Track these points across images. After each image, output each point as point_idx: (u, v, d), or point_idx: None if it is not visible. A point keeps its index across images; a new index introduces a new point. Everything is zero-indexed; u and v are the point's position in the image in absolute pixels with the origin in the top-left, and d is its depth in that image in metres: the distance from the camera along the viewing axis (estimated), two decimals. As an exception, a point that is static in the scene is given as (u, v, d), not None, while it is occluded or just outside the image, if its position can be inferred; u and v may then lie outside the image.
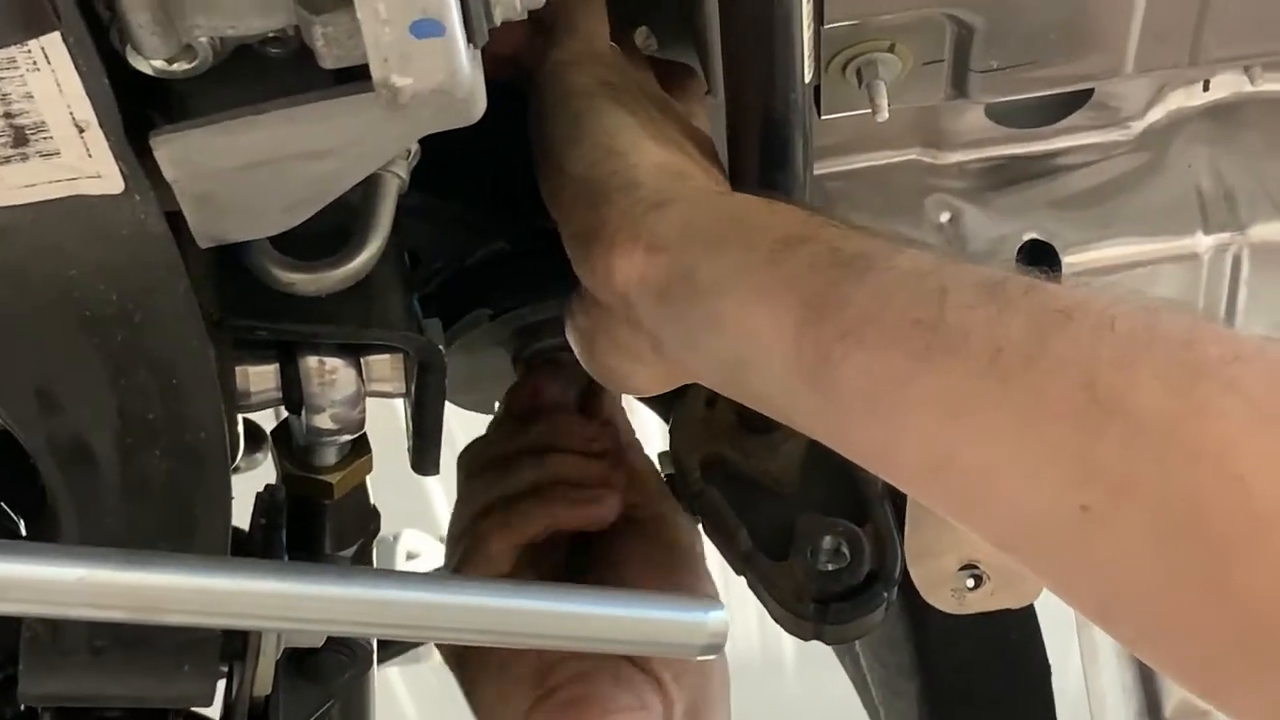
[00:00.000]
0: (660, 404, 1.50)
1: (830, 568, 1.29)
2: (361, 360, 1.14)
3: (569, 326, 1.23)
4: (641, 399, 1.52)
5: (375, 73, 0.87)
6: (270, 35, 0.93)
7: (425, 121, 0.95)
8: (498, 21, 0.90)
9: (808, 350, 0.94)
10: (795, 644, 6.71)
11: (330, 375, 1.14)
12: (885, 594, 1.29)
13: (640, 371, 1.17)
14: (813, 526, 1.29)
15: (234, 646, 1.10)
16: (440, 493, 5.34)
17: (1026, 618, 1.63)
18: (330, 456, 1.24)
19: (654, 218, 1.07)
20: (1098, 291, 0.89)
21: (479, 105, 0.94)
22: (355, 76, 0.92)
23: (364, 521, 1.32)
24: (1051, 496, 0.83)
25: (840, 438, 0.97)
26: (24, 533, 1.17)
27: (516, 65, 1.26)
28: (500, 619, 0.94)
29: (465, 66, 0.89)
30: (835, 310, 0.93)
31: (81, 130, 0.92)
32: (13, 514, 1.17)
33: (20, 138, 0.92)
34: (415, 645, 1.69)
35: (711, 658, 1.01)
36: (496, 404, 1.48)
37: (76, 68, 0.89)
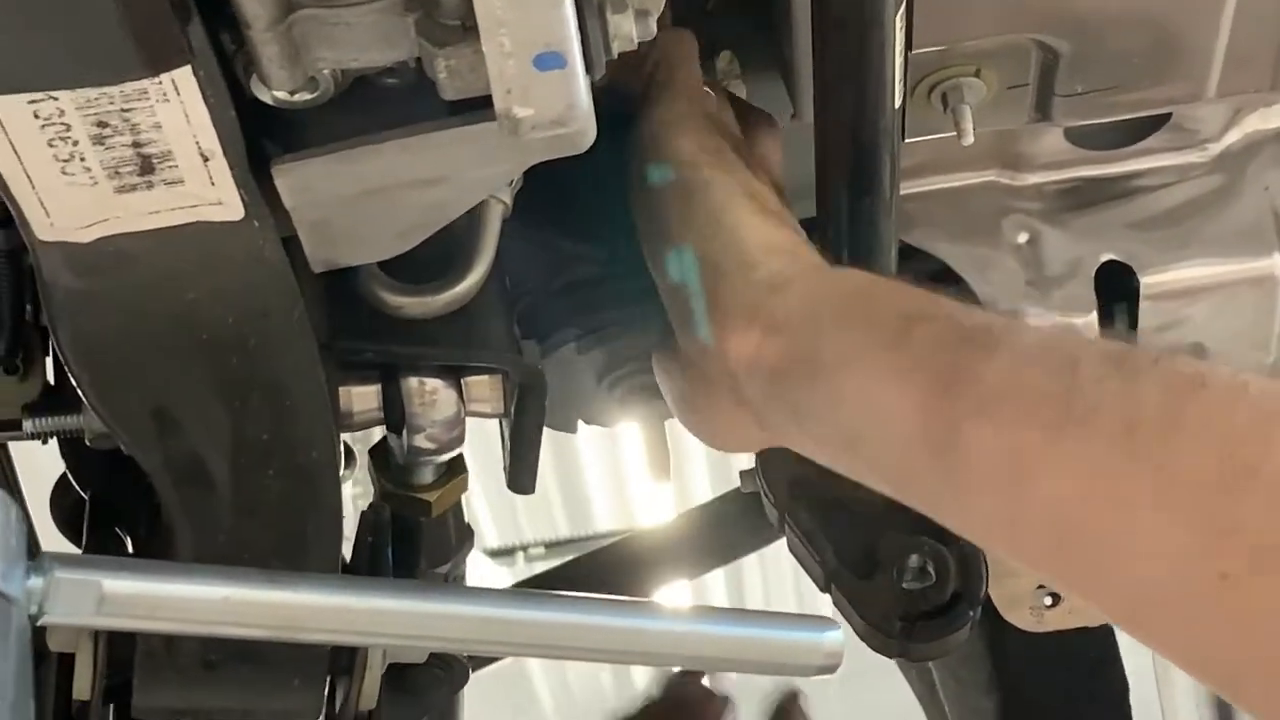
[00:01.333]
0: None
1: (916, 587, 1.30)
2: (462, 381, 1.17)
3: (662, 380, 1.24)
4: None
5: (498, 104, 0.90)
6: (388, 67, 0.96)
7: (538, 150, 0.98)
8: (615, 54, 0.93)
9: (936, 425, 0.94)
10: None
11: (431, 396, 1.17)
12: (970, 613, 1.30)
13: (738, 437, 1.18)
14: (898, 546, 1.31)
15: (341, 661, 1.13)
16: (485, 509, 5.38)
17: (1104, 635, 1.65)
18: (428, 475, 1.26)
19: (774, 301, 1.09)
20: (1221, 364, 0.89)
21: (590, 135, 0.96)
22: (470, 107, 0.95)
23: (459, 539, 1.34)
24: (1188, 564, 0.82)
25: (961, 511, 0.98)
26: (130, 551, 1.20)
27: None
28: (618, 638, 0.96)
29: (584, 98, 0.91)
30: (966, 386, 0.94)
31: (206, 160, 0.95)
32: (120, 532, 1.20)
33: (147, 166, 0.95)
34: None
35: (828, 675, 1.03)
36: (580, 422, 1.50)
37: (205, 100, 0.92)
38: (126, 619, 0.84)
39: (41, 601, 0.79)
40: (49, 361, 1.24)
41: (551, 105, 0.90)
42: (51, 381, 1.24)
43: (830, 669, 1.02)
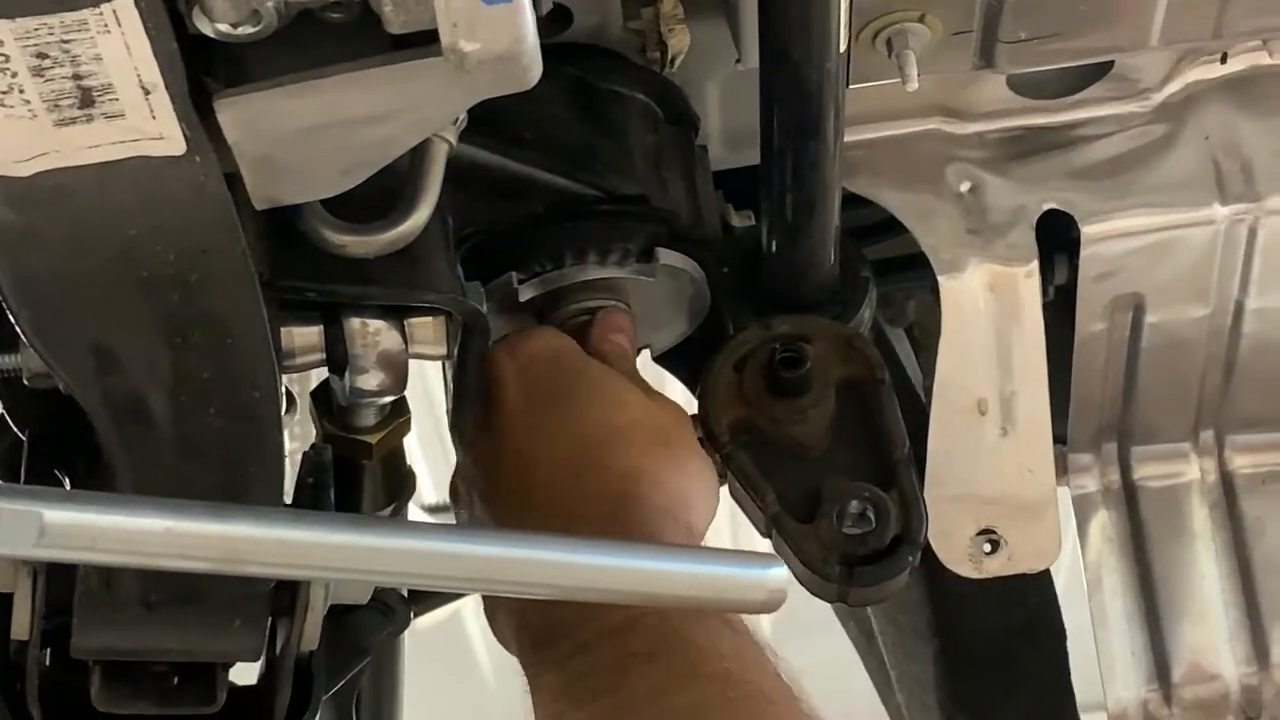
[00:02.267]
0: (687, 370, 1.52)
1: (856, 531, 1.31)
2: (405, 322, 1.17)
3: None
4: (667, 366, 1.55)
5: (444, 38, 0.89)
6: (333, 1, 0.95)
7: (484, 86, 0.97)
8: (561, -12, 0.93)
9: None
10: (770, 617, 6.78)
11: (374, 337, 1.16)
12: (910, 558, 1.31)
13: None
14: (839, 490, 1.31)
15: (283, 601, 1.12)
16: (422, 465, 5.37)
17: (1043, 583, 1.67)
18: (370, 418, 1.26)
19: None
20: None
21: (536, 71, 0.96)
22: (415, 42, 0.94)
23: (400, 483, 1.34)
24: None
25: None
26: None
27: None
28: (561, 572, 0.96)
29: (531, 33, 0.91)
30: None
31: (147, 93, 0.94)
32: (59, 473, 1.19)
33: (87, 99, 0.94)
34: (450, 599, 1.71)
35: (772, 613, 1.04)
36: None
37: (146, 31, 0.91)
38: (68, 550, 0.83)
39: (-19, 531, 0.78)
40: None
41: (498, 39, 0.90)
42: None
43: (773, 606, 1.03)
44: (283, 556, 0.91)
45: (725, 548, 1.07)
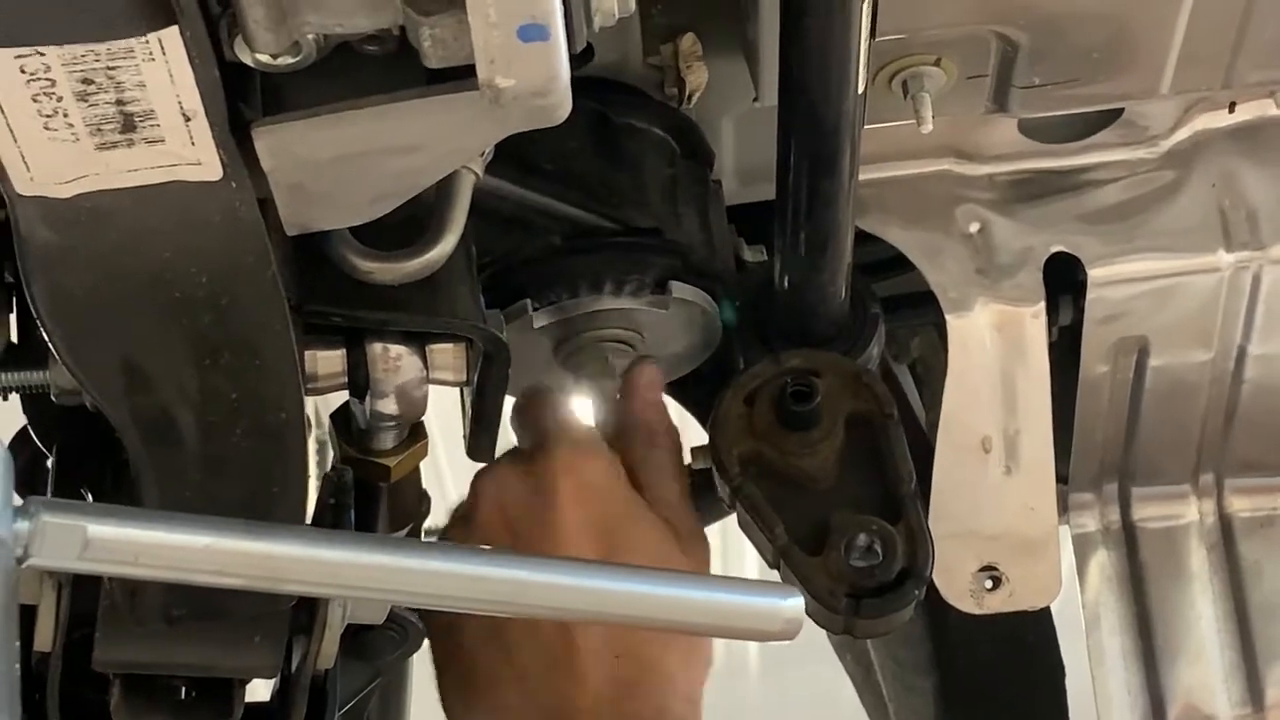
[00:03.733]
0: (697, 403, 1.55)
1: (863, 564, 1.33)
2: (426, 349, 1.19)
3: None
4: (676, 396, 1.57)
5: (481, 74, 0.91)
6: (371, 34, 0.97)
7: (516, 121, 0.99)
8: (596, 28, 0.95)
9: None
10: (759, 647, 6.74)
11: (395, 362, 1.19)
12: (916, 591, 1.34)
13: None
14: (847, 523, 1.34)
15: (302, 620, 1.14)
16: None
17: (1042, 619, 1.69)
18: (389, 441, 1.28)
19: None
20: None
21: (566, 107, 0.98)
22: (451, 76, 0.97)
23: (417, 505, 1.36)
24: None
25: None
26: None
27: None
28: (578, 596, 0.99)
29: (564, 70, 0.93)
30: None
31: (188, 119, 0.96)
32: (84, 489, 1.21)
33: (129, 124, 0.96)
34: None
35: (787, 641, 1.06)
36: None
37: (190, 60, 0.93)
38: (110, 564, 0.86)
39: (27, 544, 0.80)
40: (13, 319, 1.25)
41: (533, 76, 0.92)
42: (14, 339, 1.25)
43: (789, 635, 1.05)
44: (319, 575, 0.93)
45: (743, 577, 1.09)
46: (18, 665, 0.78)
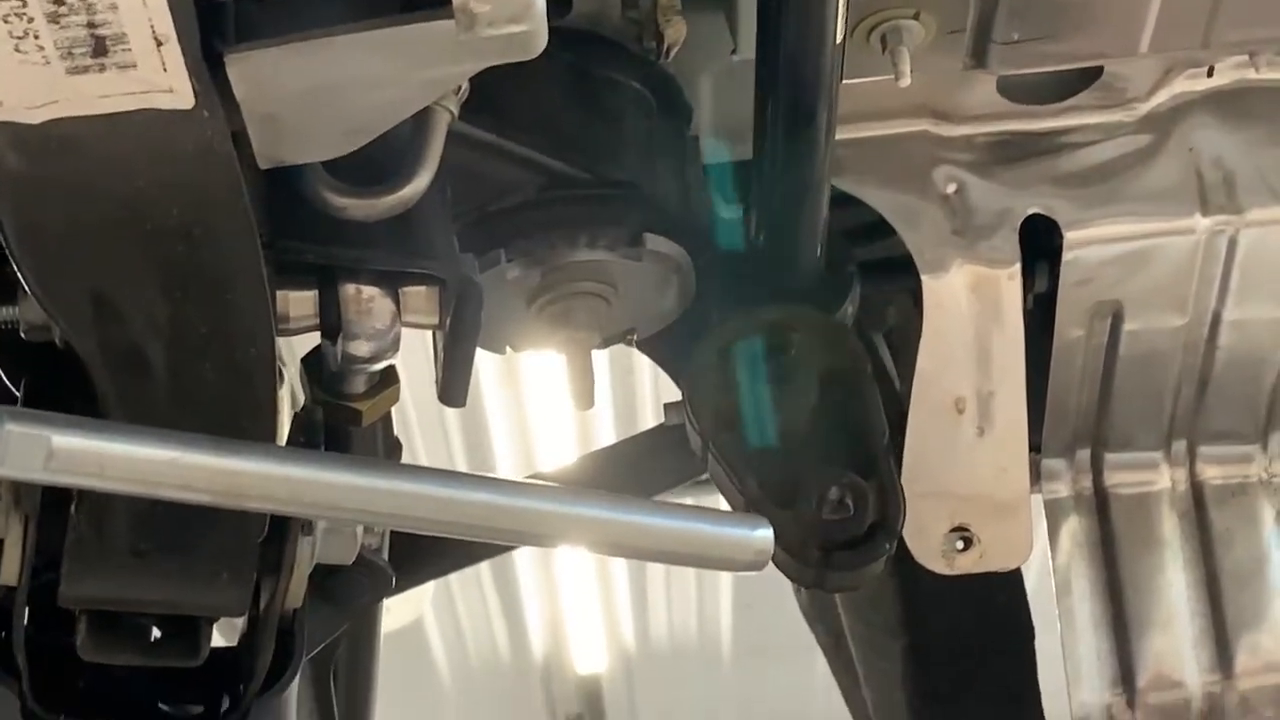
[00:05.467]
0: (670, 359, 1.54)
1: (835, 518, 1.33)
2: (399, 291, 1.18)
3: None
4: (650, 351, 1.56)
5: (457, -1, 0.91)
6: (345, -40, 0.97)
7: (492, 52, 0.98)
8: (573, -45, 0.95)
9: None
10: (732, 635, 6.75)
11: (368, 303, 1.18)
12: (887, 545, 1.34)
13: None
14: (819, 477, 1.34)
15: (270, 558, 1.14)
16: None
17: (1013, 581, 1.69)
18: (360, 385, 1.27)
19: None
20: None
21: (541, 39, 0.97)
22: (425, 4, 0.96)
23: (386, 452, 1.35)
24: None
25: None
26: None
27: None
28: (552, 521, 0.98)
29: (541, -1, 0.93)
30: None
31: (160, 44, 0.95)
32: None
33: (100, 48, 0.95)
34: (434, 572, 1.72)
35: (757, 571, 1.06)
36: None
37: (164, -20, 0.92)
38: (75, 475, 0.85)
39: (-6, 452, 0.79)
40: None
41: (508, 2, 0.92)
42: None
43: (759, 565, 1.05)
44: (284, 492, 0.93)
45: (714, 509, 1.09)
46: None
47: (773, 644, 6.02)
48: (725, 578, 6.11)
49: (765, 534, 1.04)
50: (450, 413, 4.86)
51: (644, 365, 4.42)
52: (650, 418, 4.57)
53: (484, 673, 6.78)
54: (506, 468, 5.26)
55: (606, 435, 4.74)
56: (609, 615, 6.51)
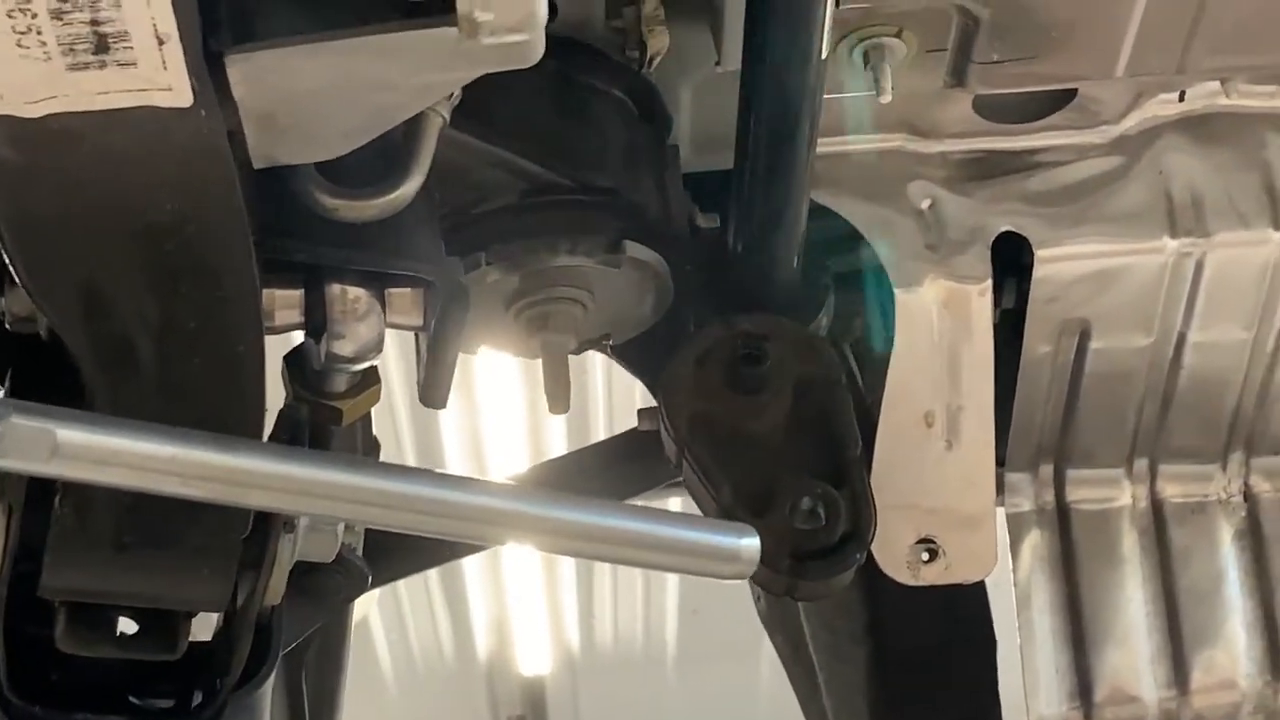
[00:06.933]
0: (645, 366, 1.55)
1: (807, 527, 1.34)
2: (385, 292, 1.19)
3: None
4: (626, 358, 1.57)
5: (461, 6, 0.92)
6: (348, -36, 0.97)
7: (490, 60, 0.99)
8: (575, -33, 0.96)
9: None
10: (677, 640, 6.75)
11: (353, 304, 1.18)
12: (858, 555, 1.35)
13: None
14: (792, 486, 1.35)
15: (252, 554, 1.14)
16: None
17: (977, 593, 1.70)
18: (342, 384, 1.27)
19: None
20: None
21: (539, 49, 0.98)
22: (428, 11, 0.97)
23: (365, 451, 1.36)
24: None
25: None
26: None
27: None
28: (550, 526, 0.99)
29: (542, 8, 0.93)
30: None
31: (161, 43, 0.96)
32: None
33: (102, 45, 0.95)
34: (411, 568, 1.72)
35: (741, 580, 1.07)
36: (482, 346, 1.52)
37: (167, -19, 0.93)
38: (78, 469, 0.85)
39: (-2, 444, 0.80)
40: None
41: (511, 12, 0.93)
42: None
43: (745, 574, 1.06)
44: (282, 487, 0.93)
45: (702, 516, 1.10)
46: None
47: (718, 650, 6.04)
48: (671, 583, 6.12)
49: (752, 543, 1.05)
50: (403, 419, 4.86)
51: (598, 378, 4.42)
52: (602, 429, 4.57)
53: (428, 673, 6.77)
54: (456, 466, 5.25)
55: (559, 445, 4.74)
56: (554, 617, 6.51)
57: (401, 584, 6.05)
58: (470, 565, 6.01)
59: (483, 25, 0.93)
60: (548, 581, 6.26)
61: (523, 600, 6.33)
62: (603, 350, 1.54)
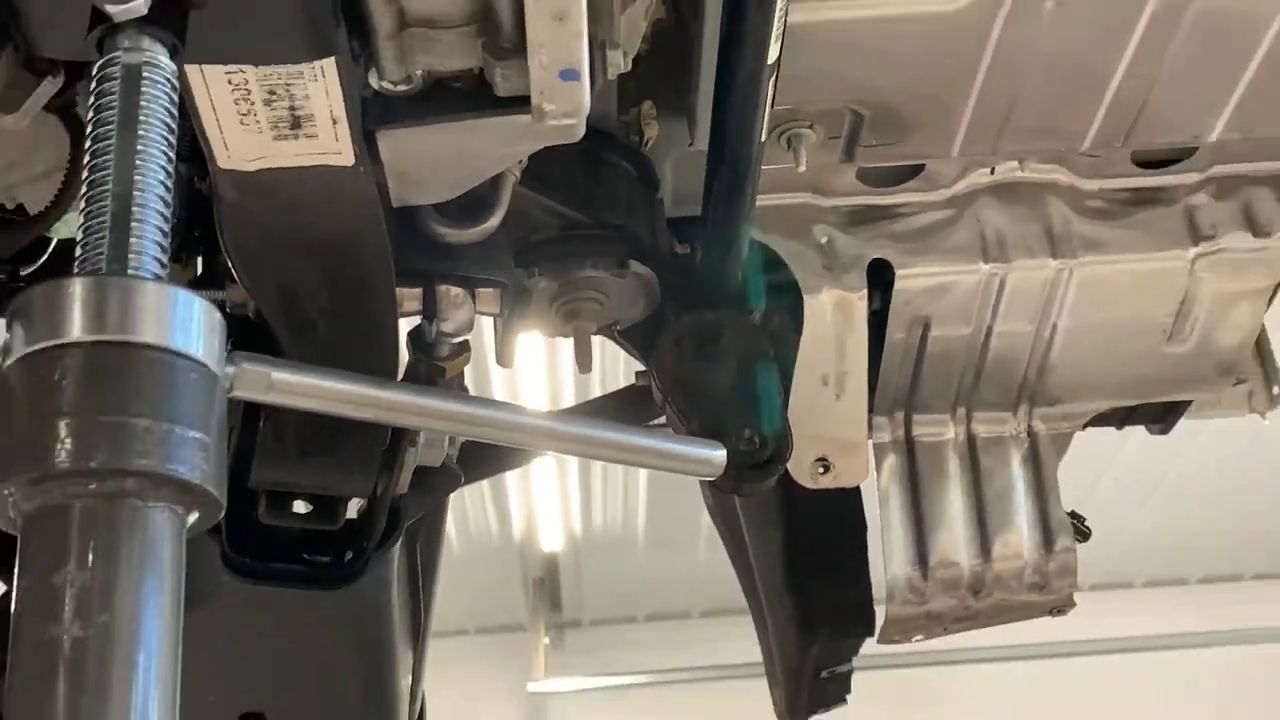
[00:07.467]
0: (640, 344, 1.55)
1: (746, 449, 1.35)
2: (475, 291, 1.19)
3: None
4: (626, 339, 1.57)
5: (534, 100, 0.92)
6: (460, 71, 0.97)
7: (549, 137, 1.00)
8: (610, 76, 0.96)
9: None
10: (644, 529, 6.67)
11: (454, 298, 1.19)
12: (780, 467, 1.36)
13: None
14: (737, 423, 1.35)
15: (388, 459, 1.14)
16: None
17: (855, 495, 1.71)
18: (445, 351, 1.27)
19: None
20: None
21: (581, 130, 0.99)
22: (511, 103, 0.97)
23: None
24: None
25: None
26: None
27: None
28: (591, 439, 1.00)
29: (587, 101, 0.94)
30: None
31: (335, 123, 0.96)
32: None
33: (296, 123, 0.96)
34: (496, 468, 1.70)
35: (712, 478, 1.08)
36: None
37: (341, 80, 0.93)
38: (285, 397, 0.85)
39: (233, 381, 0.80)
40: (199, 259, 1.24)
41: (568, 104, 0.93)
42: (199, 270, 1.24)
43: (716, 474, 1.07)
44: (412, 412, 0.94)
45: (688, 436, 1.10)
46: (227, 454, 0.77)
47: (673, 535, 6.04)
48: (642, 491, 6.11)
49: (721, 454, 1.06)
50: (475, 375, 4.84)
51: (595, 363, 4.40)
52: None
53: (480, 546, 6.73)
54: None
55: (570, 401, 4.71)
56: (564, 510, 6.49)
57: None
58: (511, 476, 5.99)
59: (548, 113, 0.93)
60: (561, 486, 6.24)
61: (545, 497, 6.31)
62: (611, 335, 1.54)
